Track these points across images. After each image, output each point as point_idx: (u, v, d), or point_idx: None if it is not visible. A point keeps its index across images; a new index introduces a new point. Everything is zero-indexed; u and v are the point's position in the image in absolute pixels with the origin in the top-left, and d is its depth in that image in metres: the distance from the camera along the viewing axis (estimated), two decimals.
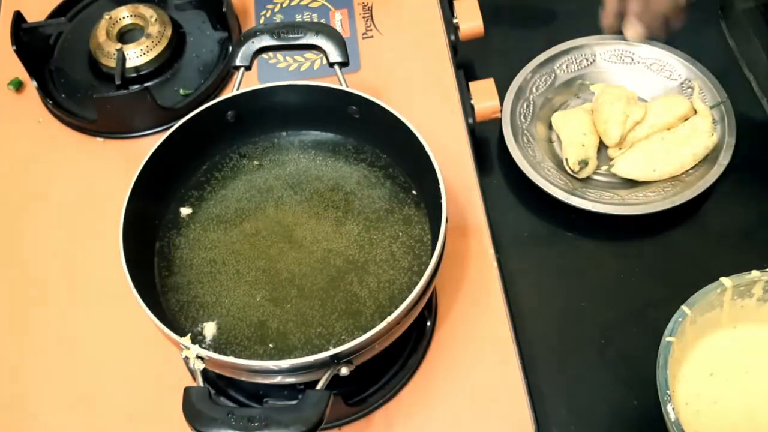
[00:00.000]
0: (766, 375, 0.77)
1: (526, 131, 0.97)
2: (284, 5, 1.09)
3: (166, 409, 0.79)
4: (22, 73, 1.04)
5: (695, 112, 0.96)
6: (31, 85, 1.03)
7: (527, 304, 0.88)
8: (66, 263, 0.91)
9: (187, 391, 0.63)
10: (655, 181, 0.93)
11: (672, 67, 1.00)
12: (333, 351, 0.64)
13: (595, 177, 0.96)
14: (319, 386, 0.64)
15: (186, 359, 0.67)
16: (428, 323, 0.83)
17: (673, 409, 0.70)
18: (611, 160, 0.96)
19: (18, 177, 0.99)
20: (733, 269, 0.78)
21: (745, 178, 0.96)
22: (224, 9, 1.03)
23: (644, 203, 0.90)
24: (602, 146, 0.97)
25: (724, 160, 0.91)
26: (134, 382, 0.83)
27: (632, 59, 1.02)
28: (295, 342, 0.72)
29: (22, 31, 1.02)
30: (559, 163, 0.96)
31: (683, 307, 0.76)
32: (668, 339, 0.74)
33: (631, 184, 0.94)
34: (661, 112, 0.95)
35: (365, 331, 0.66)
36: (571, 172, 0.93)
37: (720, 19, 1.10)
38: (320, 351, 0.66)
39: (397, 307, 0.67)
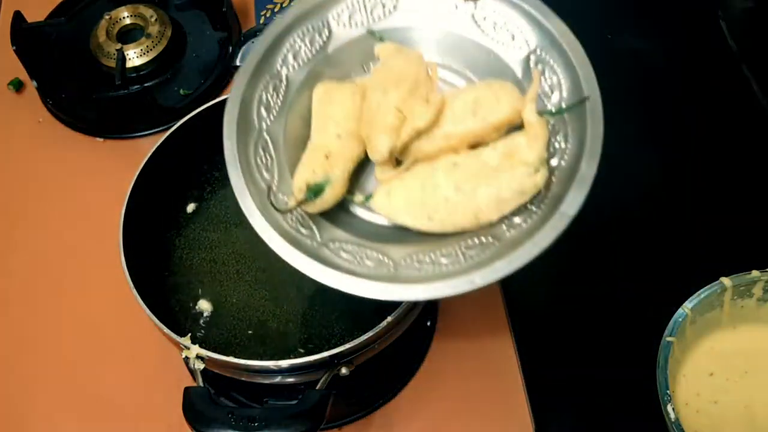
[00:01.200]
0: (765, 375, 0.77)
1: (266, 133, 0.60)
2: (284, 5, 1.09)
3: (166, 409, 0.79)
4: (22, 74, 1.04)
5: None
6: (31, 85, 1.03)
7: (527, 304, 0.88)
8: (66, 263, 0.91)
9: (187, 391, 0.63)
10: (451, 235, 0.57)
11: (517, 26, 0.60)
12: (333, 351, 0.64)
13: (358, 212, 0.60)
14: (319, 386, 0.64)
15: (186, 359, 0.67)
16: (428, 323, 0.83)
17: (673, 409, 0.70)
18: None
19: (18, 177, 0.99)
20: (733, 269, 0.78)
21: (745, 178, 0.96)
22: (224, 9, 1.03)
23: (424, 281, 0.54)
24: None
25: (569, 207, 0.55)
26: (134, 382, 0.83)
27: (456, 6, 0.62)
28: (295, 342, 0.72)
29: (22, 32, 1.02)
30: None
31: (683, 307, 0.76)
32: (668, 339, 0.74)
33: (413, 236, 0.58)
34: (465, 114, 0.56)
35: (365, 331, 0.66)
36: (294, 202, 0.57)
37: (720, 19, 1.10)
38: (320, 351, 0.66)
39: (397, 308, 0.67)
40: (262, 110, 0.61)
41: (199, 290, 0.75)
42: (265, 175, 0.59)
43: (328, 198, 0.57)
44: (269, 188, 0.57)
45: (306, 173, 0.57)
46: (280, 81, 0.61)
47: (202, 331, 0.72)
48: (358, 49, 0.63)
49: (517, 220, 0.57)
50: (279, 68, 0.62)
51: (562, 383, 0.84)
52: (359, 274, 0.54)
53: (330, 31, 0.63)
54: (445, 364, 0.81)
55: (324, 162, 0.57)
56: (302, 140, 0.60)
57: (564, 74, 0.58)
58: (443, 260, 0.55)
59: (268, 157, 0.60)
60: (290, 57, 0.62)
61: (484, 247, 0.56)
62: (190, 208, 0.81)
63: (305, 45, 0.62)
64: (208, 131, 0.81)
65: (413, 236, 0.57)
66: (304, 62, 0.62)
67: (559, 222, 0.55)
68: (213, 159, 0.84)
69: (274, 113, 0.61)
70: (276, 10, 1.09)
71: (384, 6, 0.63)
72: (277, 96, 0.61)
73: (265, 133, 0.60)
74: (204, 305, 0.74)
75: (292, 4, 0.63)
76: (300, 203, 0.57)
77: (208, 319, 0.73)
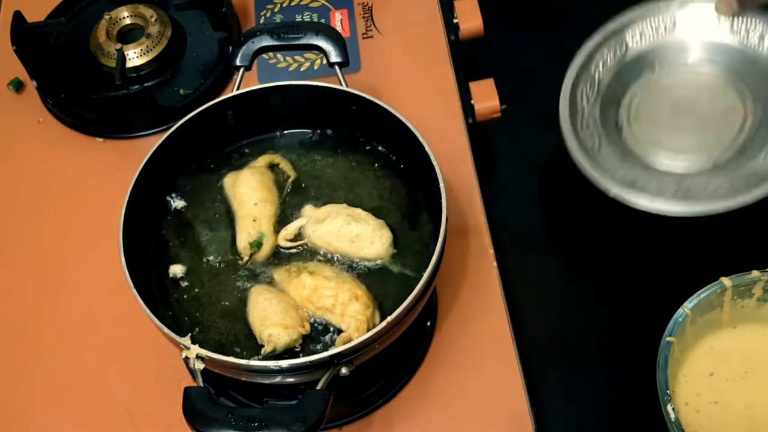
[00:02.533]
0: (766, 375, 0.77)
1: (589, 115, 0.88)
2: (284, 5, 1.09)
3: (166, 409, 0.79)
4: (22, 74, 1.04)
5: None
6: (31, 85, 1.03)
7: (527, 304, 0.88)
8: (66, 263, 0.91)
9: (187, 391, 0.63)
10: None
11: None
12: (333, 351, 0.64)
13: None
14: (319, 386, 0.64)
15: (186, 359, 0.67)
16: (428, 323, 0.83)
17: (673, 409, 0.70)
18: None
19: (18, 177, 0.99)
20: (733, 269, 0.78)
21: None
22: (224, 9, 1.03)
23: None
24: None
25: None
26: (134, 382, 0.83)
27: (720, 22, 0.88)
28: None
29: (22, 31, 1.02)
30: (625, 153, 0.85)
31: (683, 307, 0.76)
32: (668, 339, 0.74)
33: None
34: (345, 240, 0.75)
35: (365, 331, 0.66)
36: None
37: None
38: (320, 351, 0.66)
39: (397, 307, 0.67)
40: (584, 99, 0.89)
41: (200, 290, 0.75)
42: (588, 140, 0.86)
43: (267, 249, 0.76)
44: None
45: (244, 237, 0.76)
46: (593, 81, 0.90)
47: (201, 331, 0.72)
48: (649, 57, 0.91)
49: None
50: (593, 72, 0.90)
51: (562, 383, 0.84)
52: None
53: (626, 47, 0.91)
54: (445, 364, 0.81)
55: (253, 224, 0.77)
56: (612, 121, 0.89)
57: None
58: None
59: (590, 127, 0.87)
60: (600, 65, 0.90)
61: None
62: (190, 207, 0.81)
63: (610, 56, 0.90)
64: (209, 131, 0.82)
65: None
66: (609, 68, 0.91)
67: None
68: (213, 159, 0.84)
69: (591, 101, 0.89)
70: (276, 10, 1.09)
71: (665, 26, 0.90)
72: (592, 90, 0.90)
73: (587, 113, 0.89)
74: (177, 269, 0.76)
75: (597, 31, 0.91)
76: (251, 257, 0.76)
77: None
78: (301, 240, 0.77)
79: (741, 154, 0.85)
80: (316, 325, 0.72)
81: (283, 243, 0.77)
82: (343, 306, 0.71)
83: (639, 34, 0.90)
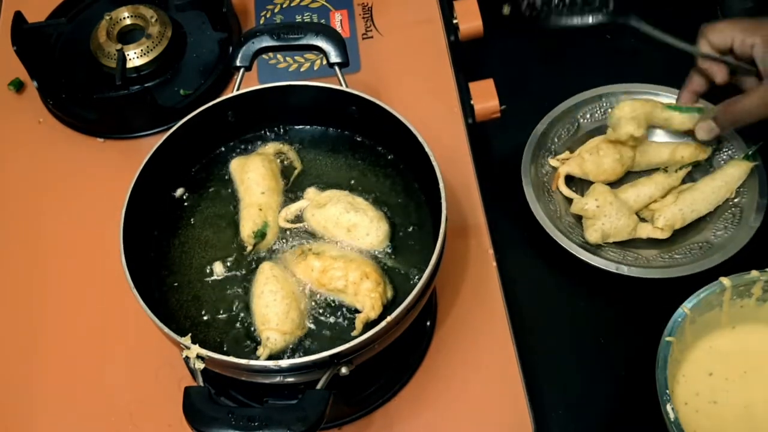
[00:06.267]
0: (764, 375, 0.77)
1: (548, 184, 0.96)
2: (284, 6, 1.09)
3: (166, 409, 0.79)
4: (22, 74, 1.04)
5: None
6: (32, 85, 1.03)
7: (527, 303, 0.88)
8: (66, 263, 0.91)
9: (188, 390, 0.63)
10: (680, 243, 0.90)
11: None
12: (333, 351, 0.64)
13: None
14: (319, 386, 0.64)
15: (186, 359, 0.67)
16: (428, 323, 0.83)
17: (672, 408, 0.70)
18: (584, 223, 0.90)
19: (18, 177, 0.99)
20: (732, 269, 0.78)
21: None
22: (224, 9, 1.03)
23: (670, 266, 0.86)
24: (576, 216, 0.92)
25: (755, 222, 0.87)
26: (134, 381, 0.83)
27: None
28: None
29: (22, 32, 1.02)
30: (579, 218, 0.92)
31: (682, 307, 0.76)
32: (667, 339, 0.74)
33: (655, 243, 0.90)
34: (342, 228, 0.76)
35: (365, 331, 0.66)
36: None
37: (719, 19, 1.10)
38: (320, 351, 0.66)
39: (397, 307, 0.67)
40: (543, 170, 0.96)
41: (200, 290, 0.75)
42: (550, 207, 0.93)
43: (270, 238, 0.77)
44: None
45: (249, 226, 0.77)
46: (548, 151, 0.98)
47: (202, 332, 0.73)
48: (596, 135, 0.98)
49: (721, 232, 0.89)
50: (549, 146, 0.98)
51: (562, 383, 0.84)
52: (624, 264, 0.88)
53: (578, 125, 1.00)
54: (444, 364, 0.82)
55: (259, 213, 0.77)
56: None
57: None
58: (677, 257, 0.89)
59: (550, 196, 0.95)
60: (556, 138, 0.98)
61: (701, 247, 0.88)
62: (190, 208, 0.81)
63: (564, 131, 0.99)
64: (209, 132, 0.82)
65: (656, 243, 0.90)
66: (563, 142, 0.99)
67: (748, 231, 0.87)
68: (213, 159, 0.84)
69: (550, 173, 0.97)
70: (276, 10, 1.09)
71: (611, 109, 0.96)
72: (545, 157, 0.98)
73: (546, 183, 0.96)
74: (218, 269, 0.76)
75: (556, 108, 1.00)
76: (254, 246, 0.76)
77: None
78: (300, 222, 0.78)
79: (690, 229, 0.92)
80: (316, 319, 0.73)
81: (282, 224, 0.77)
82: (355, 285, 0.71)
83: (589, 114, 1.00)
